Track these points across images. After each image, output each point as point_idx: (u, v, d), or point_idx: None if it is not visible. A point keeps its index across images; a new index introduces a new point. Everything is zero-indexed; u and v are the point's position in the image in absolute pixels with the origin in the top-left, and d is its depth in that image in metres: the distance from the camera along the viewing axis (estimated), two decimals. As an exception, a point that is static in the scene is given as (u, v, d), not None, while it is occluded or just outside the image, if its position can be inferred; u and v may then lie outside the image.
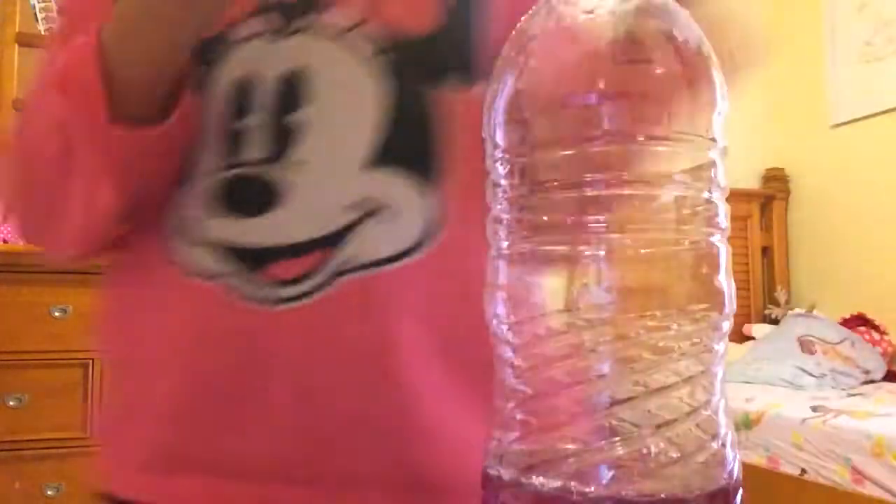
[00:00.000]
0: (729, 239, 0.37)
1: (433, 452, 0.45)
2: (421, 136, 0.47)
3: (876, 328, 2.86)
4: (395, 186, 0.45)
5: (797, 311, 3.07)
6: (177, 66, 0.42)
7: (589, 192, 0.35)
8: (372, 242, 0.45)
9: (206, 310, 0.45)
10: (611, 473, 0.32)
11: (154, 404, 0.46)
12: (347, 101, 0.46)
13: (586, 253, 0.35)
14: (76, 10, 0.51)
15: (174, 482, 0.45)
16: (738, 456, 0.35)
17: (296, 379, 0.44)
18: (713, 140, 0.36)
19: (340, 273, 0.44)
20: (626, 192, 0.35)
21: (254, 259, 0.44)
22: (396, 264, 0.45)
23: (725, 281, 0.35)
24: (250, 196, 0.45)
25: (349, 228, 0.44)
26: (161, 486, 0.45)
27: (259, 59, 0.46)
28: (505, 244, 0.38)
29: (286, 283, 0.44)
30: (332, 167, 0.45)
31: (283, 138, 0.45)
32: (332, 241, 0.44)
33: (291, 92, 0.46)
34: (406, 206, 0.45)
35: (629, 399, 0.33)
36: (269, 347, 0.44)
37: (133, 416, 0.48)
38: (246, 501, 0.44)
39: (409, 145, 0.46)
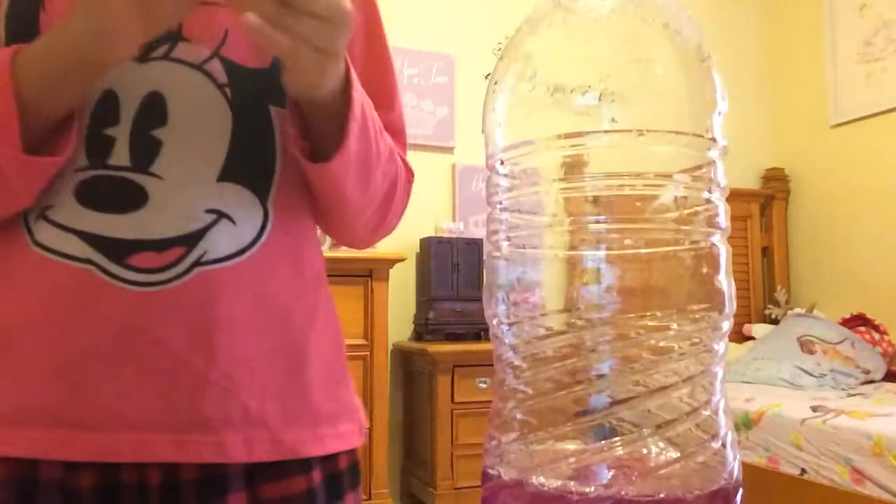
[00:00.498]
0: (729, 239, 0.37)
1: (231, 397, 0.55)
2: (261, 156, 0.58)
3: (876, 328, 2.86)
4: (238, 197, 0.56)
5: (797, 311, 3.08)
6: (71, 105, 0.51)
7: (589, 192, 0.35)
8: (218, 243, 0.55)
9: (75, 286, 0.52)
10: (611, 473, 0.32)
11: (23, 366, 0.52)
12: (203, 123, 0.55)
13: (586, 253, 0.35)
14: None
15: (37, 434, 0.51)
16: (738, 456, 0.35)
17: (165, 347, 0.53)
18: (713, 139, 0.36)
19: (195, 265, 0.54)
20: (627, 191, 0.35)
21: (117, 249, 0.52)
22: (235, 260, 0.55)
23: (725, 281, 0.35)
24: (116, 196, 0.53)
25: (202, 231, 0.54)
26: (23, 438, 0.51)
27: (125, 77, 0.54)
28: (505, 244, 0.38)
29: (150, 270, 0.52)
30: (191, 179, 0.55)
31: (147, 149, 0.54)
32: (190, 240, 0.54)
33: (154, 109, 0.54)
34: (244, 214, 0.56)
35: (629, 399, 0.33)
36: (139, 320, 0.52)
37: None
38: (124, 449, 0.52)
39: (251, 164, 0.57)
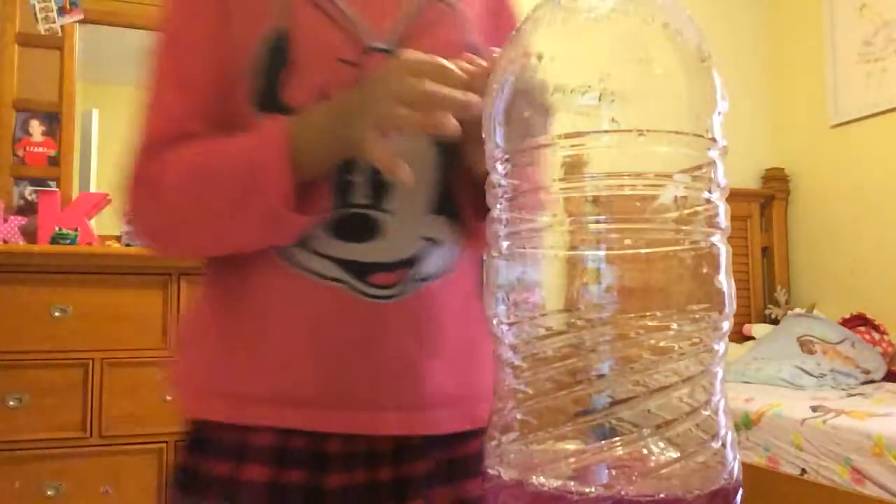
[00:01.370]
0: (729, 239, 0.37)
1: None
2: (456, 191, 0.70)
3: (876, 328, 2.86)
4: (443, 226, 0.69)
5: (797, 311, 3.07)
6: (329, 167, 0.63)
7: (589, 192, 0.35)
8: (432, 263, 0.68)
9: (331, 299, 0.65)
10: (611, 473, 0.32)
11: (290, 359, 0.66)
12: (417, 165, 0.62)
13: (586, 253, 0.35)
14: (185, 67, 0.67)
15: (296, 412, 0.65)
16: (738, 456, 0.35)
17: (396, 345, 0.66)
18: (713, 140, 0.36)
19: (416, 282, 0.67)
20: (627, 192, 0.35)
21: (360, 271, 0.66)
22: (444, 276, 0.69)
23: (725, 281, 0.35)
24: (359, 228, 0.66)
25: (420, 254, 0.67)
26: (294, 416, 0.65)
27: None
28: (505, 244, 0.38)
29: (385, 287, 0.66)
30: (411, 212, 0.67)
31: (380, 190, 0.66)
32: (412, 262, 0.67)
33: None
34: (448, 239, 0.70)
35: (629, 399, 0.33)
36: (378, 326, 0.66)
37: (258, 366, 0.66)
38: (363, 424, 0.65)
39: (450, 200, 0.70)
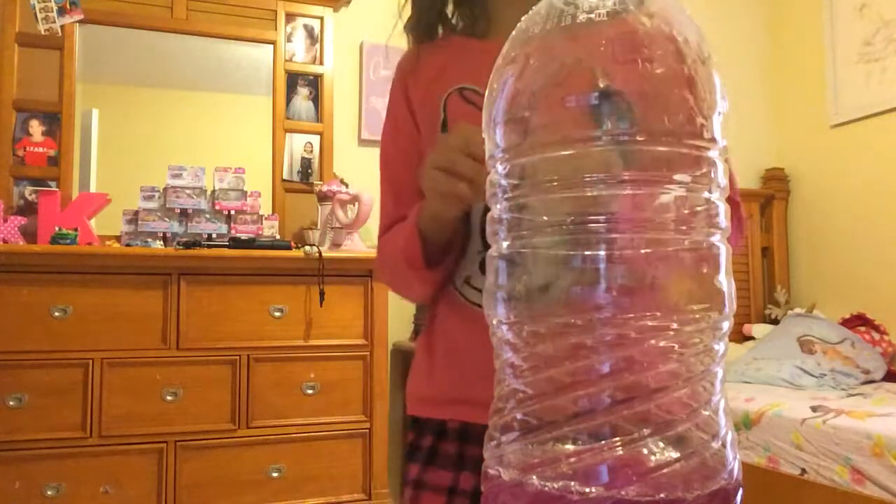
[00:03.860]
0: (729, 239, 0.37)
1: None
2: None
3: (876, 328, 2.86)
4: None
5: (797, 311, 3.07)
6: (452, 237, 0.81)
7: (589, 192, 0.35)
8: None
9: (484, 323, 0.79)
10: (611, 473, 0.32)
11: (461, 369, 0.83)
12: None
13: (586, 253, 0.34)
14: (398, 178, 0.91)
15: (454, 409, 0.84)
16: (738, 456, 0.35)
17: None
18: (713, 140, 0.36)
19: None
20: (627, 191, 0.35)
21: None
22: None
23: (725, 281, 0.35)
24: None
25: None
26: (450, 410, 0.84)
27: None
28: (505, 244, 0.38)
29: None
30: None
31: None
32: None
33: None
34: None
35: (629, 399, 0.33)
36: None
37: (443, 375, 0.86)
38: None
39: None
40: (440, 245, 0.81)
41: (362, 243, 2.49)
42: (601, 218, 0.34)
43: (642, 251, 0.34)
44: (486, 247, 0.71)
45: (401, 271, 0.85)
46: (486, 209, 0.65)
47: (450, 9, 0.92)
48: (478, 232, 0.82)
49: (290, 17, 2.79)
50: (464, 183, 0.69)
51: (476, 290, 0.83)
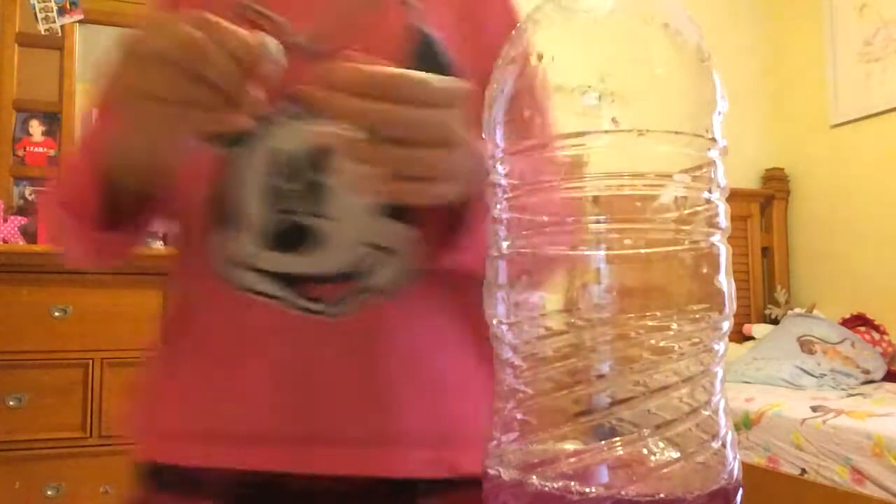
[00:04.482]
0: (729, 239, 0.37)
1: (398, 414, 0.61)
2: None
3: (876, 328, 2.86)
4: (396, 233, 0.60)
5: (797, 311, 3.07)
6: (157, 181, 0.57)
7: (589, 192, 0.35)
8: (380, 276, 0.60)
9: (268, 319, 0.59)
10: (611, 473, 0.32)
11: (246, 382, 0.60)
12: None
13: (586, 253, 0.35)
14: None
15: (210, 449, 0.59)
16: (737, 456, 0.35)
17: (342, 369, 0.59)
18: (713, 140, 0.36)
19: (360, 297, 0.60)
20: (627, 192, 0.35)
21: (297, 284, 0.59)
22: (401, 294, 0.60)
23: (725, 281, 0.35)
24: (293, 238, 0.59)
25: (362, 264, 0.60)
26: (199, 451, 0.59)
27: (291, 135, 0.59)
28: (505, 244, 0.38)
29: (328, 302, 0.59)
30: (353, 221, 0.59)
31: (316, 198, 0.59)
32: (351, 273, 0.59)
33: (320, 163, 0.58)
34: (402, 249, 0.60)
35: (629, 399, 0.33)
36: (320, 346, 0.59)
37: (191, 396, 0.61)
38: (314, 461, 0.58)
39: (403, 204, 0.58)
40: (133, 194, 0.57)
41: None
42: (601, 218, 0.34)
43: (642, 251, 0.34)
44: (283, 207, 0.57)
45: (56, 217, 0.61)
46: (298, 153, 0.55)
47: None
48: (261, 183, 0.58)
49: None
50: (220, 96, 0.43)
51: (260, 275, 0.59)
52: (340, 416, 0.59)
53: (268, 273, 0.59)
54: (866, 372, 2.70)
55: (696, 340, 0.34)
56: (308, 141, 0.59)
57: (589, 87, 0.34)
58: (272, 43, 0.45)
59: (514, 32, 0.39)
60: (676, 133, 0.35)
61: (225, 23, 0.43)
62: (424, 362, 0.62)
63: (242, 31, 0.44)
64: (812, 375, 2.62)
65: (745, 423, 2.24)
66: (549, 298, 0.36)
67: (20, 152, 2.42)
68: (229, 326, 0.61)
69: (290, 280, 0.59)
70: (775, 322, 3.15)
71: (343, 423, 0.58)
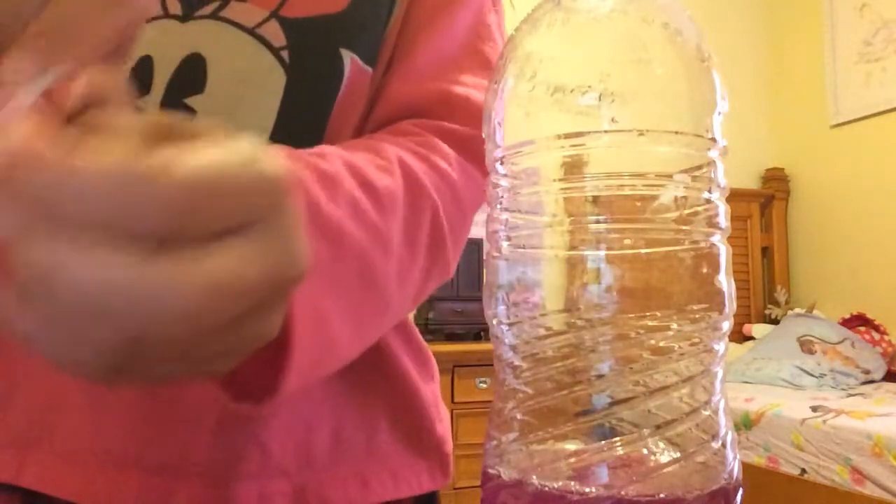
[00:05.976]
0: (729, 239, 0.37)
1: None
2: (317, 117, 0.49)
3: (876, 328, 2.86)
4: None
5: (797, 311, 3.07)
6: None
7: (589, 192, 0.35)
8: None
9: None
10: (611, 473, 0.32)
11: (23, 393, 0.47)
12: (248, 92, 0.48)
13: (586, 253, 0.35)
14: None
15: (27, 461, 0.46)
16: (737, 456, 0.35)
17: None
18: (713, 140, 0.36)
19: None
20: (627, 192, 0.35)
21: None
22: None
23: (725, 281, 0.35)
24: None
25: None
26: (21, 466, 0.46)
27: (162, 38, 0.47)
28: (505, 244, 0.38)
29: None
30: None
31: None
32: None
33: (191, 75, 0.47)
34: None
35: (629, 399, 0.33)
36: None
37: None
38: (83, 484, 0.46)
39: (302, 131, 0.48)
40: None
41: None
42: (601, 218, 0.34)
43: (642, 251, 0.34)
44: None
45: None
46: None
47: None
48: None
49: None
50: None
51: None
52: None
53: None
54: (866, 372, 2.71)
55: (696, 340, 0.34)
56: (190, 47, 0.47)
57: (589, 87, 0.34)
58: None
59: (513, 31, 0.39)
60: (676, 133, 0.35)
61: None
62: None
63: None
64: (812, 375, 2.62)
65: (745, 423, 2.24)
66: (549, 298, 0.36)
67: (20, 152, 2.42)
68: None
69: None
70: (775, 322, 3.15)
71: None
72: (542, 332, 0.35)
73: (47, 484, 0.46)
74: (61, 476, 0.46)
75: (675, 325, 0.34)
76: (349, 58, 0.50)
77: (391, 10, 0.53)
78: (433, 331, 2.56)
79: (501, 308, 0.37)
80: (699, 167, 0.35)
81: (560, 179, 0.36)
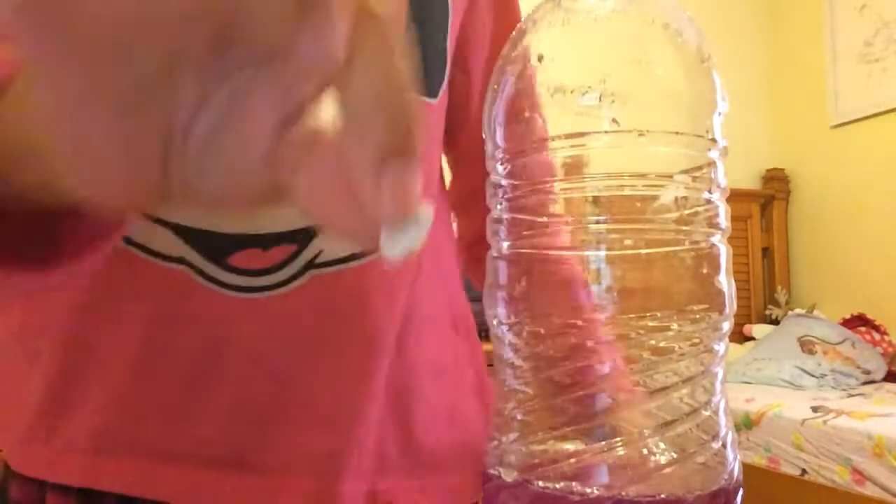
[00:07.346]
0: (729, 239, 0.37)
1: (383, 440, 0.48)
2: None
3: (876, 328, 2.86)
4: None
5: (797, 311, 3.07)
6: None
7: (589, 193, 0.35)
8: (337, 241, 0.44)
9: (165, 293, 0.43)
10: (611, 474, 0.32)
11: (104, 386, 0.44)
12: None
13: (586, 253, 0.35)
14: None
15: (111, 464, 0.43)
16: (738, 456, 0.35)
17: (253, 368, 0.44)
18: (713, 140, 0.36)
19: (309, 268, 0.44)
20: (627, 192, 0.35)
21: (214, 247, 0.42)
22: (357, 262, 0.45)
23: (725, 281, 0.35)
24: None
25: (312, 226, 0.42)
26: (98, 469, 0.43)
27: None
28: (505, 244, 0.38)
29: (253, 273, 0.43)
30: None
31: None
32: (300, 237, 0.43)
33: None
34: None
35: (629, 399, 0.33)
36: (232, 335, 0.43)
37: (75, 397, 0.44)
38: (181, 485, 0.44)
39: None
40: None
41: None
42: (601, 218, 0.34)
43: (642, 251, 0.34)
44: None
45: None
46: None
47: None
48: None
49: None
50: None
51: (162, 227, 0.41)
52: (230, 433, 0.45)
53: (169, 224, 0.42)
54: (867, 372, 2.71)
55: (697, 341, 0.34)
56: None
57: (589, 87, 0.34)
58: None
59: (514, 32, 0.39)
60: (677, 133, 0.35)
61: None
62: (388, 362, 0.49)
63: None
64: (812, 376, 2.62)
65: (745, 424, 2.24)
66: (550, 298, 0.36)
67: (20, 153, 2.42)
68: (118, 304, 0.43)
69: (203, 240, 0.42)
70: (776, 322, 3.15)
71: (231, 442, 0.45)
72: (542, 332, 0.35)
73: (135, 487, 0.43)
74: (151, 478, 0.43)
75: (675, 326, 0.34)
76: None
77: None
78: (433, 331, 2.55)
79: (501, 308, 0.37)
80: (699, 167, 0.35)
81: (560, 179, 0.36)
